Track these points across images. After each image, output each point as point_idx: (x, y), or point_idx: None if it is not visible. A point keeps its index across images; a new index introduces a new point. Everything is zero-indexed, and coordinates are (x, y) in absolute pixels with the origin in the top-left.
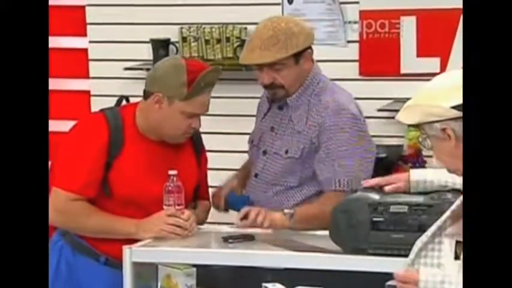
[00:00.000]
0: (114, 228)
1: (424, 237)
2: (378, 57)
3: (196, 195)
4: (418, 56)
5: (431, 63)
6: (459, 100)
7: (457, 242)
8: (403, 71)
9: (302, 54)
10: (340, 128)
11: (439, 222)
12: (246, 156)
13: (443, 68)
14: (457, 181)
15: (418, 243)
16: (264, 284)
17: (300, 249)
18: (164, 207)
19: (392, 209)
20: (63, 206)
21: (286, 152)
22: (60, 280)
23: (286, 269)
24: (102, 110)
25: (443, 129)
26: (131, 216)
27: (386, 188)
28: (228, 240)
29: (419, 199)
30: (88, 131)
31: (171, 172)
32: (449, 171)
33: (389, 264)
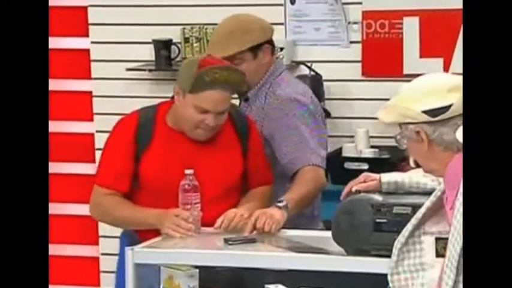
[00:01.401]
0: (138, 220)
1: (401, 238)
2: (381, 58)
3: (246, 185)
4: (421, 56)
5: (434, 64)
6: (431, 105)
7: (437, 239)
8: (405, 71)
9: (260, 48)
10: (284, 114)
11: (414, 221)
12: None
13: (446, 68)
14: (429, 182)
15: (397, 244)
16: (266, 286)
17: (302, 251)
18: (180, 206)
19: (396, 210)
20: (96, 199)
21: None
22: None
23: (288, 270)
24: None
25: (417, 132)
26: (164, 208)
27: (357, 187)
28: (229, 242)
29: (423, 200)
30: (118, 128)
31: (187, 171)
32: (425, 170)
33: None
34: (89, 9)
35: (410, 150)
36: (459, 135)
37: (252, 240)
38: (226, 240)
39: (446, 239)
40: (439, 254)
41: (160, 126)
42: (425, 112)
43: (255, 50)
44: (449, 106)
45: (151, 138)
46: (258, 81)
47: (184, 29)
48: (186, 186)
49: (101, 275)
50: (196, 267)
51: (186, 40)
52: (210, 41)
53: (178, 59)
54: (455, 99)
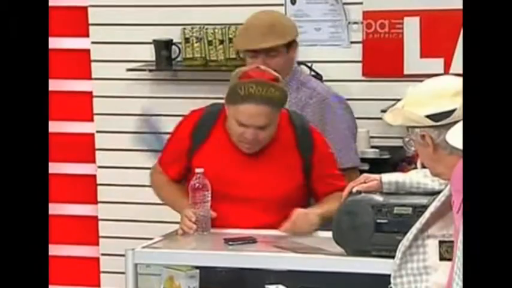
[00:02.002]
0: (172, 206)
1: (405, 241)
2: (381, 58)
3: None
4: (421, 56)
5: (435, 64)
6: (435, 109)
7: (441, 242)
8: (406, 71)
9: (292, 44)
10: (328, 110)
11: (418, 225)
12: None
13: (447, 68)
14: (429, 182)
15: (401, 247)
16: (266, 286)
17: (302, 251)
18: (190, 204)
19: (396, 210)
20: (152, 173)
21: None
22: None
23: (288, 271)
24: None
25: (423, 136)
26: (214, 205)
27: (357, 187)
28: (229, 242)
29: (424, 201)
30: (184, 118)
31: (197, 170)
32: (432, 174)
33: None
34: (89, 9)
35: (419, 154)
36: (449, 137)
37: (252, 241)
38: (226, 241)
39: (450, 242)
40: (443, 257)
41: (219, 127)
42: (428, 117)
43: (289, 44)
44: (453, 111)
45: (206, 137)
46: (286, 75)
47: (184, 29)
48: (196, 185)
49: (101, 275)
50: (197, 267)
51: (187, 40)
52: (243, 33)
53: (178, 59)
54: (459, 104)
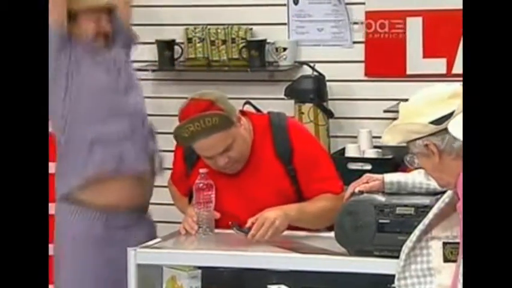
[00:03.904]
0: (181, 211)
1: (409, 243)
2: (384, 58)
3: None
4: (424, 57)
5: (438, 64)
6: (436, 114)
7: (445, 244)
8: (409, 72)
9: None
10: None
11: (422, 226)
12: None
13: (449, 69)
14: (432, 183)
15: (405, 249)
16: (268, 286)
17: (305, 251)
18: (193, 204)
19: (399, 210)
20: (170, 187)
21: None
22: None
23: (291, 271)
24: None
25: (426, 146)
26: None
27: (360, 187)
28: (232, 226)
29: (426, 201)
30: (176, 145)
31: (201, 170)
32: (440, 185)
33: (395, 266)
34: None
35: (424, 165)
36: (451, 128)
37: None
38: (232, 224)
39: (454, 243)
40: (447, 259)
41: None
42: (431, 122)
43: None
44: (452, 113)
45: (196, 161)
46: None
47: (187, 29)
48: (200, 185)
49: None
50: (199, 267)
51: (189, 40)
52: None
53: (181, 59)
54: (456, 105)
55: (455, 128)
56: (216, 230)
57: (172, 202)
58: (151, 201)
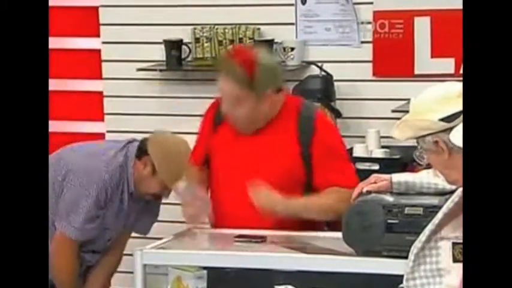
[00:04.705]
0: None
1: (418, 243)
2: (392, 58)
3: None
4: (432, 56)
5: (446, 64)
6: (446, 111)
7: (454, 244)
8: (417, 71)
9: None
10: None
11: (431, 226)
12: None
13: (457, 68)
14: (440, 182)
15: (414, 250)
16: (275, 287)
17: (312, 251)
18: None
19: (407, 211)
20: None
21: None
22: None
23: (298, 271)
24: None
25: (436, 142)
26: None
27: (368, 187)
28: (237, 239)
29: (434, 201)
30: (210, 104)
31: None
32: (449, 182)
33: (403, 266)
34: (100, 9)
35: (432, 162)
36: (453, 137)
37: (260, 240)
38: (235, 238)
39: None
40: (456, 259)
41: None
42: (441, 119)
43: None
44: (462, 111)
45: (222, 122)
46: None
47: (195, 29)
48: None
49: None
50: (205, 268)
51: (197, 40)
52: None
53: (189, 59)
54: None
55: (457, 138)
56: (223, 230)
57: (173, 202)
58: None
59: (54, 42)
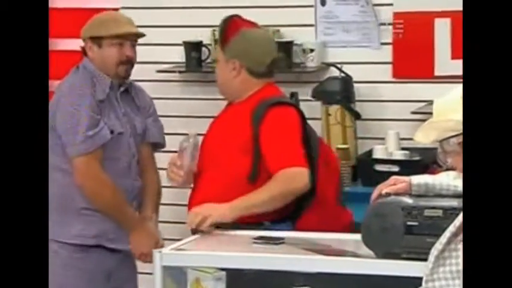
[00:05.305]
0: None
1: (438, 245)
2: (412, 60)
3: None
4: (452, 58)
5: None
6: None
7: None
8: (437, 73)
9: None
10: None
11: (452, 229)
12: None
13: None
14: (459, 184)
15: (434, 252)
16: None
17: (331, 253)
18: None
19: (427, 213)
20: None
21: None
22: None
23: (317, 273)
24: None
25: (460, 143)
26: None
27: (387, 189)
28: (255, 240)
29: (454, 203)
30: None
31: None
32: None
33: (423, 268)
34: (121, 11)
35: (456, 164)
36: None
37: (279, 241)
38: (255, 239)
39: None
40: None
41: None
42: None
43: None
44: None
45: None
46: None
47: (214, 30)
48: (184, 145)
49: None
50: (223, 269)
51: (216, 42)
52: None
53: (208, 60)
54: None
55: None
56: (241, 232)
57: (174, 202)
58: (174, 202)
59: (74, 44)
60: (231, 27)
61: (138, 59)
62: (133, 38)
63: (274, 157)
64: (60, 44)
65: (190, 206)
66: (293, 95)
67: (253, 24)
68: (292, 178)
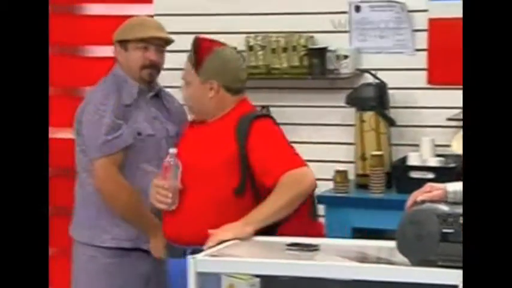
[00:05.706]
0: None
1: None
2: (447, 66)
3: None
4: None
5: None
6: None
7: None
8: None
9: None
10: None
11: None
12: None
13: None
14: None
15: None
16: None
17: (366, 260)
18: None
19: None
20: None
21: None
22: None
23: (352, 281)
24: None
25: None
26: None
27: (422, 196)
28: (289, 247)
29: None
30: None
31: (170, 150)
32: None
33: (458, 276)
34: (155, 18)
35: None
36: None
37: (313, 248)
38: (288, 245)
39: None
40: None
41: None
42: None
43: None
44: None
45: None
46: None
47: (248, 37)
48: (167, 163)
49: None
50: (258, 276)
51: (250, 48)
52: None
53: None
54: None
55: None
56: (274, 238)
57: None
58: None
59: (109, 51)
60: (203, 48)
61: (171, 66)
62: (159, 42)
63: (273, 164)
64: (96, 51)
65: (175, 224)
66: (264, 107)
67: (219, 43)
68: (299, 179)
